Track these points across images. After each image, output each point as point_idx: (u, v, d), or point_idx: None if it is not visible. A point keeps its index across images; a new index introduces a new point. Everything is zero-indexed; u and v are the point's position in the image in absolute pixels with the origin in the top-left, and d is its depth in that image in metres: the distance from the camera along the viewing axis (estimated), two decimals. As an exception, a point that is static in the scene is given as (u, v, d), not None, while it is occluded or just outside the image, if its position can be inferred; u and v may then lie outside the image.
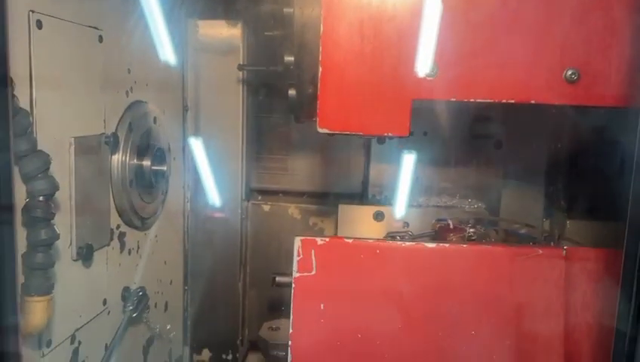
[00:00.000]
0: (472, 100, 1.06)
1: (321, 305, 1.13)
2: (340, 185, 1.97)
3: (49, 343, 1.17)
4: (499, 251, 1.13)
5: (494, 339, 1.11)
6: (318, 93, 1.08)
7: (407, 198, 1.57)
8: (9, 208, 0.87)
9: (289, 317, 1.15)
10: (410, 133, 1.63)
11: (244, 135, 1.90)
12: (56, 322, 1.17)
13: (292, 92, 1.16)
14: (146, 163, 1.54)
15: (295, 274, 1.14)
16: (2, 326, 0.89)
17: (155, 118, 1.62)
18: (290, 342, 1.14)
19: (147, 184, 1.56)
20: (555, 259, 1.09)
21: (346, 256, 1.14)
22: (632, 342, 0.89)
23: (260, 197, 2.03)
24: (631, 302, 0.89)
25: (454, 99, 1.06)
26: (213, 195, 1.86)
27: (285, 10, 1.14)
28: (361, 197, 1.83)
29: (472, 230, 1.39)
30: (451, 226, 1.44)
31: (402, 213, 1.60)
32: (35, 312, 1.03)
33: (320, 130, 1.10)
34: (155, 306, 1.72)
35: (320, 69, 1.07)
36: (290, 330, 1.14)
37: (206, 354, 2.02)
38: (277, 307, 1.97)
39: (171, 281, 1.85)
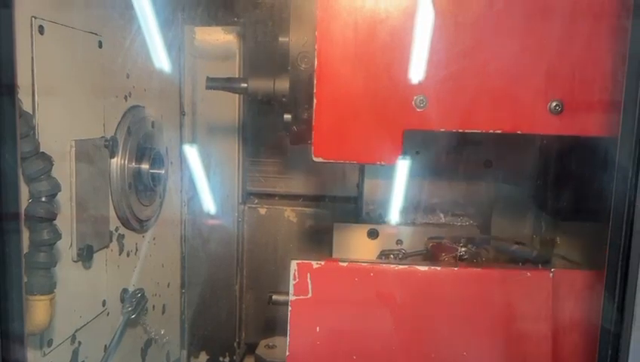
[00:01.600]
0: (460, 131, 1.11)
1: (317, 328, 1.17)
2: (335, 188, 2.01)
3: (50, 343, 1.19)
4: (488, 274, 1.18)
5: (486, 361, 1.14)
6: (313, 124, 1.12)
7: (401, 216, 1.62)
8: (15, 210, 0.90)
9: (285, 335, 1.18)
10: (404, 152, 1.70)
11: (240, 139, 1.93)
12: (57, 322, 1.19)
13: (287, 116, 1.20)
14: (145, 166, 1.56)
15: (292, 298, 1.17)
16: (9, 325, 0.92)
17: (153, 123, 1.64)
18: None
19: (145, 187, 1.58)
20: (542, 281, 1.13)
21: (340, 279, 1.18)
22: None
23: (256, 201, 2.05)
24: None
25: (444, 130, 1.11)
26: (209, 200, 1.89)
27: (281, 38, 1.18)
28: (355, 201, 1.87)
29: (463, 249, 1.43)
30: (444, 245, 1.48)
31: (396, 231, 1.64)
32: (37, 311, 1.05)
33: (315, 159, 1.14)
34: (153, 309, 1.74)
35: (315, 101, 1.11)
36: (287, 353, 1.17)
37: (203, 356, 2.03)
38: (272, 321, 2.00)
39: (169, 284, 1.87)
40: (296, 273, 1.17)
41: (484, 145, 1.64)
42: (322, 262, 1.18)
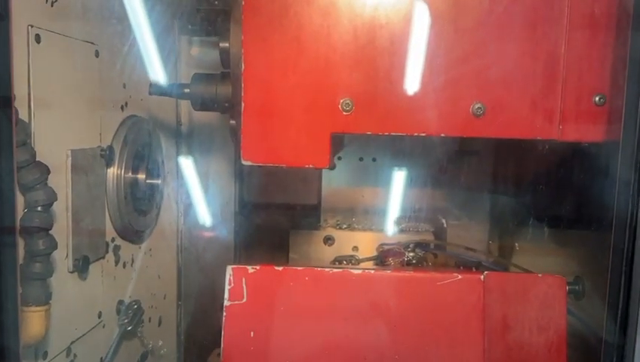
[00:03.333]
0: (386, 134, 1.12)
1: (251, 333, 1.16)
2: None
3: (45, 355, 1.17)
4: (419, 277, 1.18)
5: None
6: (242, 127, 1.13)
7: (357, 223, 1.63)
8: (11, 220, 0.89)
9: None
10: (360, 159, 1.72)
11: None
12: (53, 334, 1.17)
13: (232, 122, 1.20)
14: (141, 176, 1.55)
15: (226, 303, 1.17)
16: (3, 336, 0.90)
17: (149, 133, 1.64)
18: None
19: (142, 197, 1.57)
20: (473, 284, 1.13)
21: (276, 284, 1.18)
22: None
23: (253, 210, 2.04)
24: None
25: (370, 133, 1.12)
26: (205, 210, 1.88)
27: (221, 44, 1.17)
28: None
29: (411, 254, 1.44)
30: (393, 250, 1.49)
31: (352, 237, 1.67)
32: (33, 322, 1.04)
33: (244, 162, 1.14)
34: (150, 321, 1.72)
35: (242, 105, 1.12)
36: (221, 358, 1.17)
37: (200, 369, 2.01)
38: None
39: (165, 296, 1.85)
40: (231, 278, 1.16)
41: (442, 153, 1.65)
42: (257, 267, 1.17)
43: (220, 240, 1.94)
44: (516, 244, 1.62)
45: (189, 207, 1.90)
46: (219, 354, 1.84)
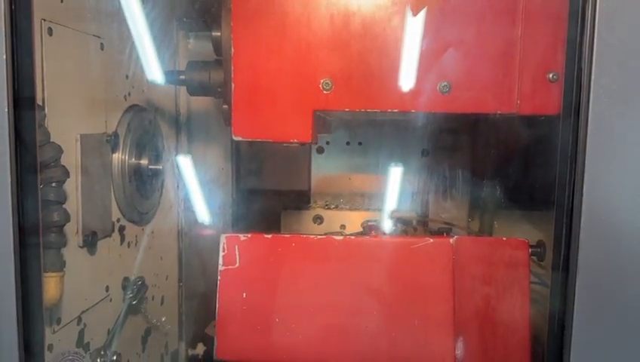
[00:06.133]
0: (363, 110, 1.23)
1: (244, 294, 1.27)
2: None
3: (59, 321, 1.28)
4: (395, 242, 1.30)
5: (392, 321, 1.25)
6: (232, 106, 1.24)
7: (345, 203, 1.74)
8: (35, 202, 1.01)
9: None
10: (347, 143, 1.83)
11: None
12: (65, 302, 1.28)
13: (225, 107, 1.31)
14: (144, 162, 1.66)
15: (221, 268, 1.28)
16: (29, 300, 1.02)
17: (150, 121, 1.75)
18: (216, 329, 1.28)
19: (145, 182, 1.68)
20: (444, 247, 1.24)
21: (266, 250, 1.29)
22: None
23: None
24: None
25: (348, 110, 1.23)
26: (204, 197, 1.98)
27: (214, 33, 1.28)
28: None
29: (393, 228, 1.55)
30: (375, 226, 1.60)
31: (340, 216, 1.79)
32: (50, 286, 1.15)
33: (234, 138, 1.26)
34: (153, 299, 1.83)
35: (233, 85, 1.23)
36: (217, 318, 1.28)
37: (200, 348, 2.11)
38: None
39: (167, 277, 1.96)
40: (225, 245, 1.27)
41: (421, 135, 1.76)
42: (249, 235, 1.28)
43: (218, 224, 2.05)
44: (495, 223, 1.73)
45: (188, 192, 2.01)
46: (214, 325, 1.96)
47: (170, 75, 1.54)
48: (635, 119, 0.90)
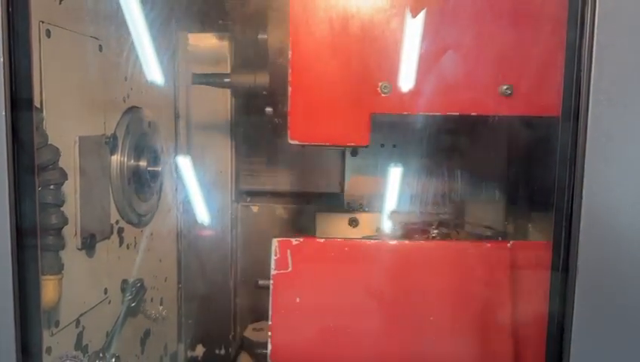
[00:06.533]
0: (422, 113, 1.23)
1: (297, 299, 1.27)
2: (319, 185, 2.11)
3: (57, 324, 1.28)
4: (452, 246, 1.31)
5: (449, 325, 1.25)
6: (289, 109, 1.23)
7: (380, 206, 1.73)
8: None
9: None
10: (381, 145, 1.82)
11: (232, 140, 2.03)
12: (63, 305, 1.28)
13: (269, 109, 1.30)
14: (142, 164, 1.66)
15: (273, 272, 1.28)
16: (27, 303, 1.02)
17: (149, 123, 1.74)
18: (270, 333, 1.28)
19: (143, 184, 1.68)
20: (501, 251, 1.24)
21: (318, 254, 1.29)
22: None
23: (248, 199, 2.15)
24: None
25: (407, 113, 1.23)
26: (203, 199, 1.98)
27: (260, 36, 1.28)
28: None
29: (435, 231, 1.54)
30: (418, 228, 1.59)
31: (375, 219, 1.76)
32: (48, 289, 1.15)
33: (291, 142, 1.25)
34: (152, 300, 1.82)
35: (290, 89, 1.23)
36: (270, 322, 1.28)
37: (200, 349, 2.11)
38: (257, 308, 2.10)
39: (166, 278, 1.95)
40: (277, 249, 1.27)
41: (459, 139, 1.75)
42: (301, 239, 1.28)
43: (216, 227, 2.05)
44: (529, 226, 1.71)
45: (187, 195, 2.01)
46: (254, 329, 1.96)
47: (215, 77, 1.54)
48: (634, 121, 0.90)
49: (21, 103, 1.01)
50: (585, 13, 0.87)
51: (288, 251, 1.27)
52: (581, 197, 0.91)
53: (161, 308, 1.82)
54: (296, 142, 1.24)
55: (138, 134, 1.66)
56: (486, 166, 1.77)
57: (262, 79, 1.34)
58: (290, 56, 1.21)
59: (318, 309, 1.26)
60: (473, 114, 1.20)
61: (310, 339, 1.26)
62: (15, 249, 1.00)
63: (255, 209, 2.14)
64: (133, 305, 1.61)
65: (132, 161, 1.61)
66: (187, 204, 2.01)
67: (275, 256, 1.27)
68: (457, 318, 1.23)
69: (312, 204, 2.06)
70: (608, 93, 0.88)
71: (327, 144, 1.26)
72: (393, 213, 1.76)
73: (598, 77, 0.88)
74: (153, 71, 1.70)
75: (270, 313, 1.27)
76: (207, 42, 1.96)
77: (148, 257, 1.78)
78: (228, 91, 1.96)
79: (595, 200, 0.92)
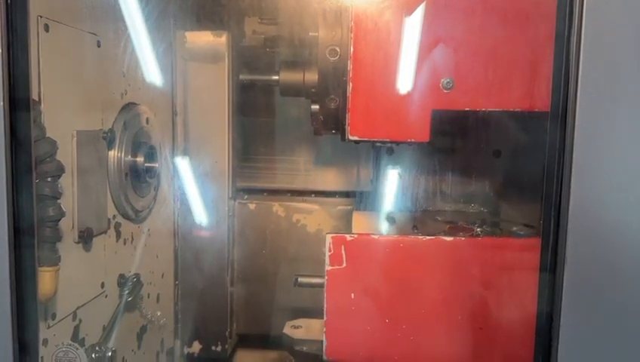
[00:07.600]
0: (483, 110, 1.23)
1: (352, 294, 1.28)
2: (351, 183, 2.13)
3: (54, 316, 1.29)
4: (504, 242, 1.30)
5: (503, 320, 1.26)
6: (349, 106, 1.24)
7: (415, 204, 1.73)
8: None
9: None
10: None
11: (229, 137, 2.05)
12: (60, 297, 1.29)
13: (315, 107, 1.30)
14: (140, 159, 1.67)
15: (327, 268, 1.28)
16: (24, 294, 1.03)
17: (147, 119, 1.76)
18: (324, 329, 1.29)
19: (140, 179, 1.69)
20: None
21: (372, 250, 1.29)
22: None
23: (245, 196, 2.16)
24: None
25: (469, 109, 1.23)
26: (200, 197, 2.00)
27: (311, 33, 1.28)
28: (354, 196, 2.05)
29: (479, 229, 1.54)
30: (461, 226, 1.59)
31: (411, 217, 1.76)
32: (45, 281, 1.15)
33: (351, 138, 1.25)
34: (148, 297, 1.83)
35: (350, 85, 1.23)
36: (325, 318, 1.29)
37: (196, 345, 2.12)
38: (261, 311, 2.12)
39: (163, 275, 1.96)
40: (331, 245, 1.27)
41: (493, 136, 1.74)
42: (355, 235, 1.29)
43: (213, 224, 2.06)
44: None
45: (184, 192, 2.02)
46: (292, 326, 1.97)
47: (263, 75, 1.55)
48: (622, 115, 0.91)
49: (19, 97, 1.03)
50: (573, 5, 0.89)
51: (342, 247, 1.27)
52: (569, 192, 0.93)
53: (159, 313, 1.83)
54: (356, 138, 1.24)
55: (135, 130, 1.67)
56: (522, 164, 1.75)
57: (310, 77, 1.34)
58: (351, 52, 1.21)
59: (373, 306, 1.27)
60: (536, 110, 1.18)
61: (365, 335, 1.27)
62: (12, 240, 1.01)
63: (252, 206, 2.16)
64: (129, 299, 1.62)
65: (129, 157, 1.62)
66: (184, 201, 2.03)
67: (330, 251, 1.27)
68: (509, 315, 1.23)
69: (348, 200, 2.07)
70: (597, 86, 0.89)
71: (387, 140, 1.27)
72: (430, 211, 1.76)
73: (586, 70, 0.89)
74: (151, 67, 1.72)
75: (325, 308, 1.28)
76: (204, 40, 1.97)
77: (145, 253, 1.79)
78: (225, 87, 1.98)
79: (584, 194, 0.93)
